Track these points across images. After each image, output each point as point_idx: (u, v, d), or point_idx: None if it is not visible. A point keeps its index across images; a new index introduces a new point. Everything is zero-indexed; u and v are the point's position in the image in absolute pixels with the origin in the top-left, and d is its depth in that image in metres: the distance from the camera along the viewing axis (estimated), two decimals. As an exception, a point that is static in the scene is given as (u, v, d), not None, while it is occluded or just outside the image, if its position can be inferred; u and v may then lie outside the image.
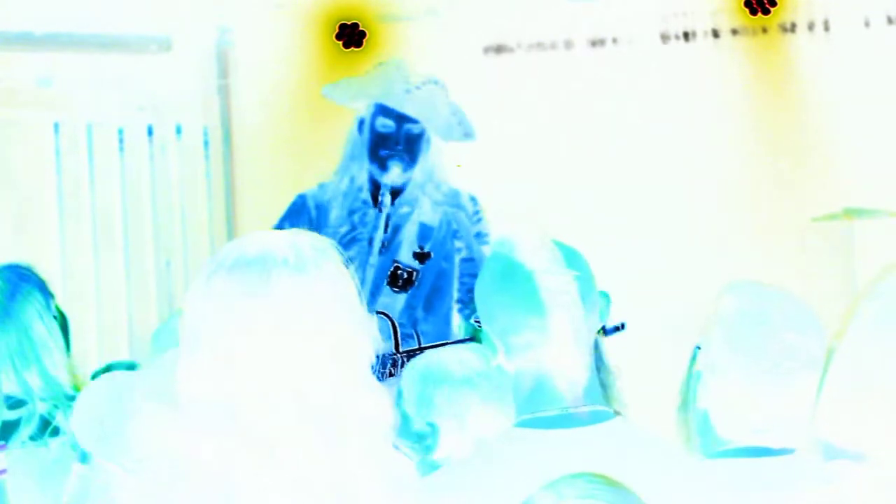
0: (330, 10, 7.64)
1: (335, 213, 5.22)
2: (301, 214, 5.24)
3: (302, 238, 2.06)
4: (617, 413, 2.39)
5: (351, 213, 5.22)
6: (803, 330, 2.56)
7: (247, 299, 1.98)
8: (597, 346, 3.47)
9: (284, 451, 1.93)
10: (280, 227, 5.15)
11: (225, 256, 2.04)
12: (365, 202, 5.20)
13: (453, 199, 5.23)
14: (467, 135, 5.27)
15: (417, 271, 5.14)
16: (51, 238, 7.00)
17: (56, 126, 7.11)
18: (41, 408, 3.46)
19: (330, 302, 2.01)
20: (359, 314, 2.03)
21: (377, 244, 5.11)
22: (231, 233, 7.62)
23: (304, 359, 1.97)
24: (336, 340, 1.99)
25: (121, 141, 7.28)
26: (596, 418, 2.33)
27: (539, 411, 2.32)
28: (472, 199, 5.27)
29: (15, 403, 3.46)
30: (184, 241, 7.45)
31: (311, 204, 5.28)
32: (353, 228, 5.19)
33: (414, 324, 5.10)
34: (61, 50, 7.13)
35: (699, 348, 3.07)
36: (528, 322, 2.32)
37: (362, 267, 5.01)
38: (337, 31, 7.63)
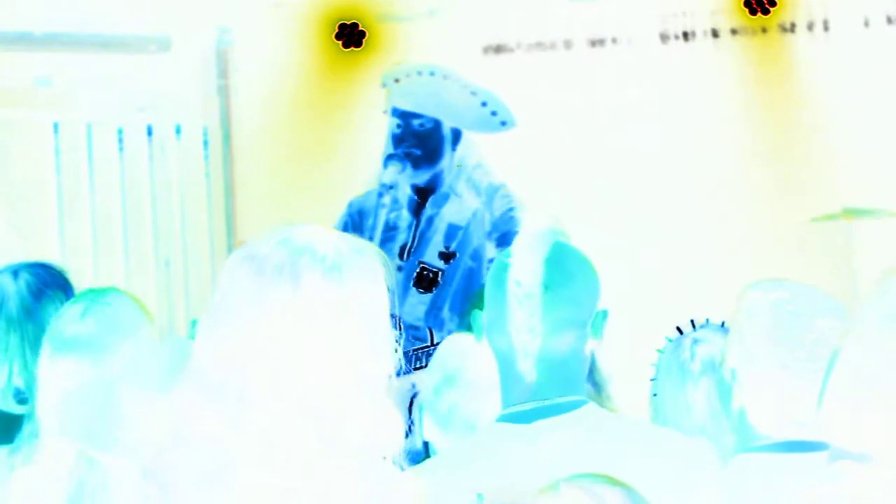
0: (329, 10, 7.64)
1: (373, 219, 5.19)
2: (345, 219, 5.24)
3: (345, 241, 2.04)
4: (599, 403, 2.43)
5: (386, 217, 5.18)
6: (834, 317, 2.55)
7: (275, 288, 1.98)
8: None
9: (280, 445, 1.92)
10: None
11: (266, 242, 2.02)
12: (400, 206, 5.17)
13: (489, 196, 5.17)
14: (504, 123, 5.22)
15: (442, 271, 5.10)
16: (51, 238, 7.00)
17: (56, 126, 7.11)
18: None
19: (357, 310, 1.99)
20: (385, 329, 2.02)
21: (393, 246, 5.10)
22: (231, 233, 7.62)
23: (318, 361, 1.96)
24: (355, 350, 1.98)
25: (120, 141, 7.28)
26: (568, 407, 2.36)
27: (514, 406, 2.37)
28: (505, 197, 5.17)
29: (22, 399, 3.49)
30: (183, 241, 7.45)
31: (353, 210, 5.27)
32: (388, 230, 5.17)
33: (440, 325, 5.07)
34: (61, 50, 7.13)
35: (670, 340, 3.13)
36: (496, 299, 2.41)
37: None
38: (336, 30, 7.64)
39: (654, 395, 3.21)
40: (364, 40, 7.60)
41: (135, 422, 2.14)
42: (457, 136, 5.17)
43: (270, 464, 1.92)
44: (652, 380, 3.25)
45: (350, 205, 5.31)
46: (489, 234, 5.11)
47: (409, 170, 5.12)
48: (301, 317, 1.96)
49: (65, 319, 3.20)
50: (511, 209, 5.12)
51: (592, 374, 3.53)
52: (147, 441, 2.09)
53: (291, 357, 1.95)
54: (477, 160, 5.23)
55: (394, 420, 1.99)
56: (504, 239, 5.00)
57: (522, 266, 2.37)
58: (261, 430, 1.92)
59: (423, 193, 5.18)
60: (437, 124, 5.13)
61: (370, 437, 1.96)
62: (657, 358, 3.25)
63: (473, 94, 5.19)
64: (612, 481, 1.95)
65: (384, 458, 1.96)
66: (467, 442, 2.47)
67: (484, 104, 5.18)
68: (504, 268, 2.40)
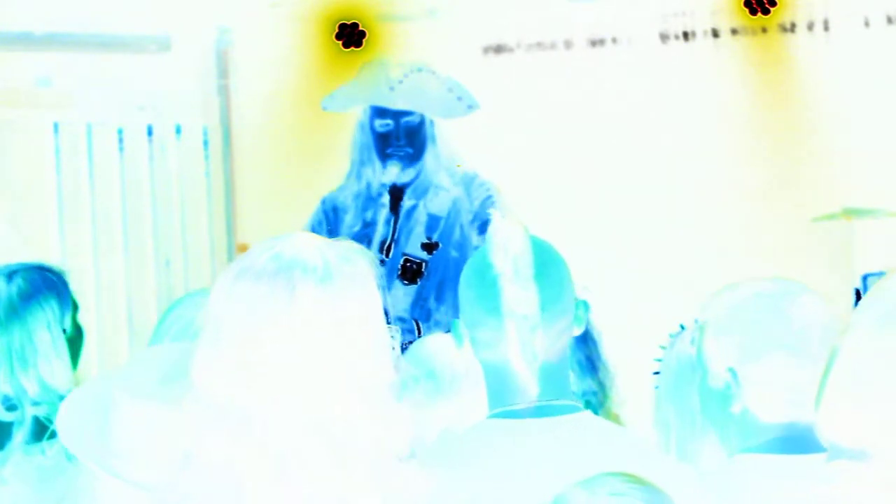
0: (330, 10, 7.65)
1: (349, 214, 5.21)
2: (319, 216, 5.24)
3: (332, 248, 2.03)
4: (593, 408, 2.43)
5: (363, 212, 5.20)
6: (809, 299, 2.57)
7: (271, 304, 1.97)
8: (595, 346, 3.51)
9: (291, 460, 1.92)
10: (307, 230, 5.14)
11: (257, 256, 2.02)
12: (375, 201, 5.18)
13: (466, 186, 5.18)
14: (470, 107, 5.24)
15: (426, 262, 5.11)
16: (51, 238, 7.00)
17: (56, 126, 7.11)
18: (35, 412, 3.45)
19: (352, 317, 1.99)
20: (381, 331, 2.01)
21: (376, 239, 5.10)
22: (231, 232, 7.63)
23: (320, 372, 1.96)
24: (355, 356, 1.98)
25: (120, 141, 7.29)
26: (563, 410, 2.36)
27: (508, 406, 2.38)
28: (482, 185, 5.18)
29: (11, 406, 3.46)
30: (183, 241, 7.46)
31: (328, 207, 5.27)
32: (366, 227, 5.17)
33: (427, 315, 5.08)
34: (61, 50, 7.13)
35: (672, 336, 3.15)
36: (488, 321, 2.38)
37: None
38: (337, 30, 7.64)
39: (657, 387, 3.23)
40: (364, 40, 7.61)
41: (128, 432, 2.12)
42: (432, 127, 5.20)
43: (283, 478, 1.91)
44: (655, 373, 3.27)
45: (323, 201, 5.31)
46: (471, 223, 5.13)
47: (408, 170, 5.14)
48: (299, 329, 1.96)
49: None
50: (490, 196, 5.15)
51: (597, 373, 3.54)
52: (144, 454, 2.08)
53: (293, 369, 1.95)
54: (450, 150, 5.25)
55: (400, 420, 1.99)
56: (486, 227, 4.98)
57: (523, 295, 2.36)
58: (269, 445, 1.92)
59: (400, 186, 5.19)
60: (422, 119, 5.16)
61: (379, 440, 1.95)
62: (661, 353, 3.28)
63: (439, 80, 5.20)
64: (635, 479, 1.95)
65: (394, 458, 1.96)
66: (458, 437, 2.48)
67: (450, 90, 5.19)
68: (495, 288, 2.37)
